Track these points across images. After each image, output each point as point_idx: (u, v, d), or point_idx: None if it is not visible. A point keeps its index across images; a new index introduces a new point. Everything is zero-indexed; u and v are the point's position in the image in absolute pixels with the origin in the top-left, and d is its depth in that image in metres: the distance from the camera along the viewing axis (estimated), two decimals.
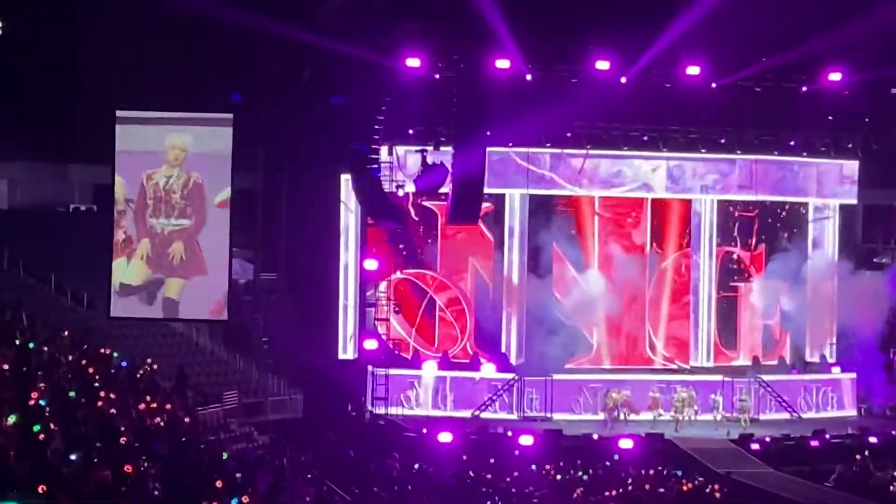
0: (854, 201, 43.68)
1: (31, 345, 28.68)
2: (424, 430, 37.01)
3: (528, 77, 39.06)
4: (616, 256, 42.90)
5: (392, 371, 39.02)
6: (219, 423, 34.92)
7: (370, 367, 39.19)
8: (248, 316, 41.13)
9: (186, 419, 30.69)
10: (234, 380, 39.41)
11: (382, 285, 40.12)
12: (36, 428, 19.80)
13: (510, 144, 40.73)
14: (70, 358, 29.62)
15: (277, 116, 40.35)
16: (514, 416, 39.33)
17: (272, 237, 42.43)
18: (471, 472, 33.43)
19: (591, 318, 42.72)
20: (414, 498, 30.53)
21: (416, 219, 41.78)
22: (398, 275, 41.33)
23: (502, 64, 38.26)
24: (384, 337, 39.71)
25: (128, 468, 19.17)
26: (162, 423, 27.25)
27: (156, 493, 19.96)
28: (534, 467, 34.95)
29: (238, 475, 24.30)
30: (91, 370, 29.24)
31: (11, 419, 20.28)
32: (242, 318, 40.24)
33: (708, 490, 33.14)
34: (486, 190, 39.73)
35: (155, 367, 34.60)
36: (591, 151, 41.23)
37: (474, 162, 38.15)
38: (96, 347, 32.70)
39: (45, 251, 39.13)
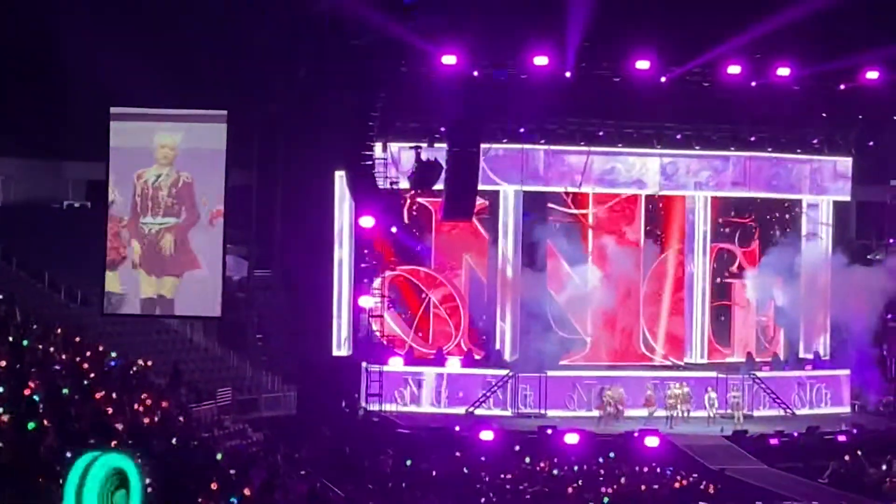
0: (848, 198, 43.73)
1: (24, 342, 28.66)
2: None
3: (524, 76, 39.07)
4: (610, 253, 42.89)
5: (387, 368, 39.06)
6: (213, 420, 34.91)
7: (364, 364, 39.20)
8: (242, 313, 41.11)
9: (180, 416, 30.71)
10: (229, 376, 39.37)
11: (377, 282, 40.12)
12: (30, 426, 19.82)
13: (504, 141, 40.74)
14: (64, 355, 29.61)
15: (272, 113, 40.36)
16: (508, 413, 39.37)
17: (266, 234, 42.41)
18: (465, 469, 33.48)
19: (585, 315, 42.73)
20: (408, 494, 30.59)
21: (410, 215, 41.73)
22: (392, 271, 41.32)
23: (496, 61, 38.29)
24: (378, 333, 39.70)
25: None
26: (156, 421, 27.27)
27: (149, 490, 19.93)
28: (528, 462, 34.99)
29: (232, 472, 24.33)
30: (85, 367, 29.24)
31: (4, 416, 20.30)
32: (237, 315, 40.20)
33: (702, 486, 33.19)
34: (481, 186, 39.75)
35: (149, 363, 34.59)
36: (583, 148, 41.27)
37: (469, 158, 38.15)
38: (90, 344, 32.67)
39: (38, 248, 39.07)
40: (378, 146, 38.88)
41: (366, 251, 39.78)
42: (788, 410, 40.56)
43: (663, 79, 39.58)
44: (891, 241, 43.33)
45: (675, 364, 42.85)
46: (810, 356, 43.05)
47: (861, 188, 43.76)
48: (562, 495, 31.70)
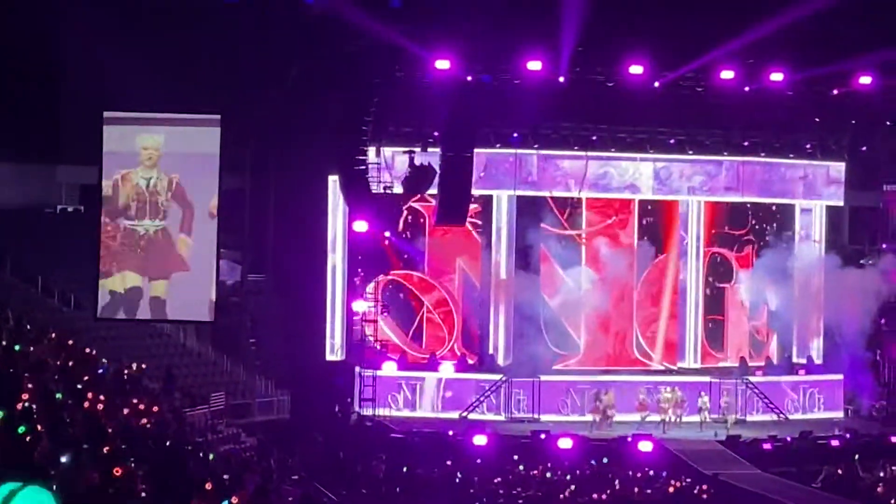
0: (841, 203, 43.80)
1: (17, 346, 28.59)
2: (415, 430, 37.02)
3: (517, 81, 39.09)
4: (604, 257, 42.91)
5: (380, 372, 39.06)
6: (206, 425, 34.88)
7: (357, 368, 39.20)
8: (235, 317, 41.08)
9: (174, 421, 30.66)
10: (222, 381, 39.35)
11: (370, 286, 40.12)
12: (21, 429, 19.76)
13: (498, 145, 40.77)
14: (57, 359, 29.56)
15: (265, 117, 40.34)
16: (501, 418, 39.38)
17: (260, 238, 42.38)
18: (458, 474, 33.47)
19: (578, 319, 42.75)
20: (401, 499, 30.58)
21: (404, 220, 41.74)
22: (385, 276, 41.33)
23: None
24: (371, 338, 39.69)
25: (116, 470, 19.14)
26: (149, 425, 27.23)
27: (143, 494, 19.92)
28: (521, 468, 34.99)
29: (225, 476, 24.30)
30: (78, 371, 29.19)
31: None
32: (230, 319, 40.17)
33: (695, 491, 33.22)
34: (474, 191, 39.78)
35: (143, 366, 34.55)
36: (577, 153, 41.31)
37: (462, 163, 38.17)
38: (83, 349, 32.62)
39: (32, 252, 39.03)
40: (372, 150, 38.87)
41: (359, 256, 39.74)
42: (782, 415, 40.60)
43: (657, 83, 39.61)
44: (883, 245, 43.35)
45: (668, 368, 42.87)
46: (803, 361, 43.10)
47: (854, 193, 43.82)
48: (555, 500, 31.70)
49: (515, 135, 40.82)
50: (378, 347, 39.89)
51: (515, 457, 35.90)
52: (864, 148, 43.28)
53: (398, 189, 39.52)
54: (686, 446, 37.13)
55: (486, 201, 41.71)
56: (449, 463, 34.75)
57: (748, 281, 43.70)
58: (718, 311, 44.11)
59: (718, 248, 44.13)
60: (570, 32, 37.44)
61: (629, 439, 36.84)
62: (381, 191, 39.09)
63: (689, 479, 34.07)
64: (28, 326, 32.40)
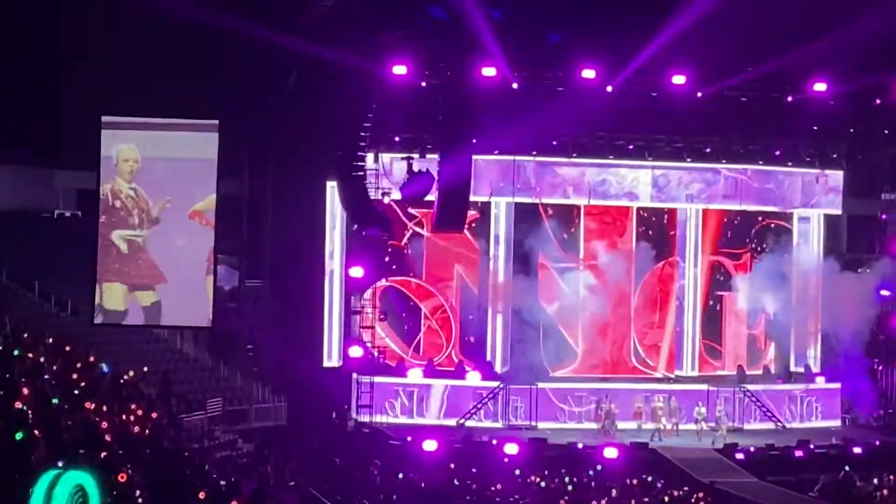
0: (839, 211, 43.78)
1: (14, 352, 28.56)
2: (409, 438, 36.97)
3: (515, 85, 39.06)
4: (602, 265, 42.89)
5: (377, 379, 39.00)
6: (203, 431, 34.83)
7: (355, 375, 39.15)
8: (232, 323, 41.04)
9: (170, 427, 30.63)
10: (219, 387, 39.29)
11: (367, 293, 40.09)
12: (18, 436, 19.73)
13: (496, 152, 40.75)
14: (54, 365, 29.52)
15: (263, 122, 40.33)
16: (499, 425, 39.34)
17: (257, 244, 42.36)
18: (455, 481, 33.42)
19: (576, 327, 42.73)
20: None
21: (402, 226, 41.71)
22: (383, 282, 41.31)
23: (489, 72, 38.25)
24: (369, 345, 39.65)
25: (121, 476, 19.11)
26: (146, 431, 27.19)
27: (140, 500, 19.90)
28: (518, 473, 34.94)
29: (222, 482, 24.28)
30: (74, 377, 29.15)
31: None
32: (227, 325, 40.13)
33: (692, 499, 33.17)
34: (472, 198, 39.76)
35: (141, 372, 34.50)
36: (575, 160, 41.33)
37: (460, 169, 38.15)
38: (80, 354, 32.58)
39: (29, 257, 38.99)
40: (370, 157, 38.83)
41: (358, 261, 39.71)
42: (779, 424, 40.55)
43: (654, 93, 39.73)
44: (881, 254, 43.28)
45: (666, 377, 42.83)
46: (801, 370, 43.07)
47: (852, 201, 43.80)
48: None
49: (514, 142, 40.74)
50: (375, 354, 39.82)
51: (506, 460, 35.82)
52: (862, 157, 43.27)
53: (396, 195, 39.50)
54: (683, 454, 37.09)
55: (485, 208, 41.70)
56: (451, 466, 34.77)
57: (746, 289, 43.67)
58: (716, 319, 44.07)
59: (716, 257, 44.11)
60: (570, 39, 37.47)
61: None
62: (379, 197, 39.06)
63: (686, 488, 34.03)
64: (25, 332, 32.35)
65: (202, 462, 28.03)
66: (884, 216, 43.50)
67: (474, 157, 38.95)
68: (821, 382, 41.95)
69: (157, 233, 35.29)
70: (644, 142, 41.61)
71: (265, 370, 40.49)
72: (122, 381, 32.18)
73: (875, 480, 35.18)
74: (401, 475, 33.57)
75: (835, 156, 43.04)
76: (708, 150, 42.05)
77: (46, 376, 27.66)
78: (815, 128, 42.21)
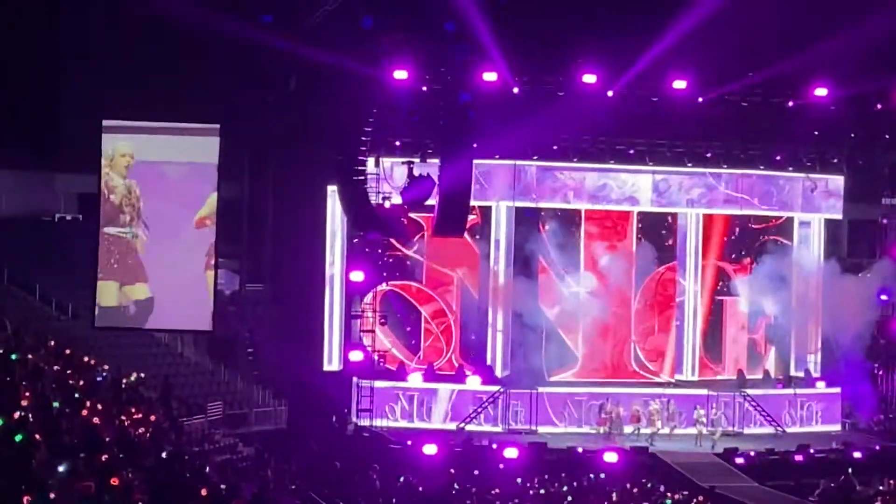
0: (839, 216, 43.80)
1: (13, 355, 28.56)
2: (409, 442, 36.97)
3: (515, 90, 39.08)
4: (602, 269, 42.90)
5: (378, 383, 38.99)
6: (203, 434, 34.82)
7: (355, 379, 39.16)
8: (233, 327, 41.05)
9: (171, 430, 30.63)
10: (219, 391, 39.32)
11: (368, 296, 40.09)
12: (18, 438, 19.73)
13: (497, 157, 40.76)
14: (55, 368, 29.52)
15: (264, 126, 40.35)
16: (499, 429, 39.33)
17: (258, 248, 42.38)
18: (455, 485, 33.41)
19: (576, 331, 42.74)
20: None
21: (402, 231, 41.68)
22: (384, 286, 41.32)
23: (489, 77, 38.27)
24: (369, 349, 39.65)
25: (113, 480, 19.10)
26: (147, 434, 27.19)
27: None
28: (519, 480, 34.93)
29: (222, 486, 24.26)
30: (75, 380, 29.15)
31: None
32: (227, 329, 40.14)
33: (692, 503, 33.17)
34: (473, 202, 39.77)
35: (141, 375, 34.52)
36: (576, 164, 41.36)
37: (461, 174, 38.16)
38: (81, 357, 32.59)
39: (30, 260, 39.02)
40: (371, 161, 38.85)
41: (358, 265, 39.71)
42: (779, 428, 40.54)
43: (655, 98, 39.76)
44: (881, 258, 43.29)
45: (666, 381, 42.83)
46: (801, 374, 43.07)
47: (853, 206, 43.81)
48: None
49: (514, 146, 40.77)
50: (376, 358, 39.82)
51: (501, 465, 35.82)
52: (862, 162, 43.30)
53: (397, 199, 39.50)
54: (683, 459, 37.08)
55: (485, 212, 41.71)
56: (451, 471, 34.75)
57: (746, 294, 43.68)
58: (716, 323, 44.10)
59: (717, 261, 44.12)
60: (571, 43, 37.48)
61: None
62: (380, 201, 39.05)
63: (685, 492, 34.01)
64: (26, 335, 32.37)
65: (202, 465, 27.99)
66: (884, 221, 43.48)
67: (475, 161, 38.95)
68: (821, 387, 41.95)
69: (154, 234, 35.28)
70: (645, 146, 41.62)
71: (265, 374, 40.50)
72: (122, 385, 32.20)
73: (875, 485, 35.18)
74: (401, 479, 33.53)
75: (835, 160, 43.08)
76: (709, 154, 42.05)
77: (47, 379, 27.68)
78: (816, 132, 42.24)
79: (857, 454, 37.71)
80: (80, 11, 40.31)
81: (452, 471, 34.70)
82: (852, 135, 42.76)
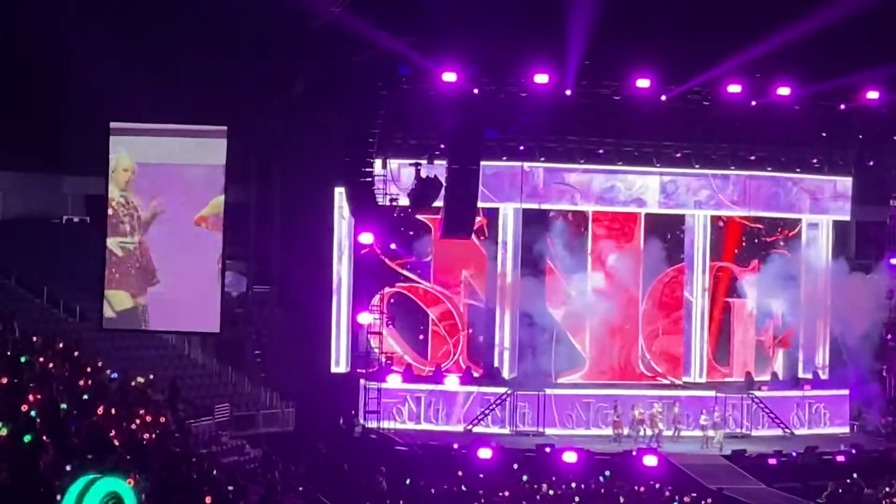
0: (847, 217, 43.73)
1: (22, 358, 28.60)
2: (418, 444, 36.97)
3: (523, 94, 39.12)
4: (610, 270, 42.86)
5: (384, 385, 38.98)
6: (210, 436, 34.85)
7: (362, 381, 39.15)
8: (240, 329, 41.05)
9: (178, 432, 30.64)
10: (226, 392, 39.30)
11: (375, 298, 40.07)
12: (27, 439, 19.77)
13: (504, 158, 40.74)
14: (62, 371, 29.56)
15: (271, 128, 40.35)
16: (506, 431, 39.30)
17: (265, 250, 42.38)
18: (463, 487, 33.41)
19: (584, 333, 42.69)
20: None
21: (410, 232, 41.69)
22: (391, 288, 41.31)
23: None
24: (376, 350, 39.62)
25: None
26: (154, 436, 27.21)
27: None
28: (525, 479, 34.91)
29: (230, 488, 24.29)
30: (83, 382, 29.18)
31: (3, 430, 20.25)
32: (235, 331, 40.13)
33: None
34: (480, 204, 39.76)
35: (151, 377, 34.53)
36: (583, 166, 41.34)
37: (468, 176, 38.15)
38: (88, 360, 32.61)
39: (37, 263, 39.02)
40: (378, 163, 38.85)
41: (365, 268, 39.69)
42: (787, 430, 40.49)
43: (663, 97, 39.65)
44: (890, 260, 43.21)
45: (673, 383, 42.77)
46: (809, 376, 43.00)
47: (861, 208, 43.75)
48: None
49: (522, 148, 40.76)
50: (383, 360, 39.80)
51: (515, 465, 35.80)
52: (871, 162, 43.21)
53: (404, 201, 39.48)
54: (691, 461, 37.03)
55: (492, 214, 41.69)
56: (457, 473, 34.70)
57: (754, 295, 43.62)
58: (724, 325, 44.04)
59: (724, 263, 44.07)
60: (577, 46, 37.46)
61: (634, 454, 36.76)
62: (387, 203, 39.05)
63: (693, 494, 33.96)
64: (34, 337, 32.40)
65: (210, 467, 28.03)
66: (892, 222, 43.41)
67: (482, 163, 38.93)
68: (829, 389, 41.87)
69: (159, 238, 35.26)
70: (652, 148, 41.58)
71: (273, 376, 40.50)
72: (130, 387, 32.22)
73: (883, 487, 35.13)
74: (408, 481, 33.53)
75: (841, 162, 43.02)
76: (715, 156, 42.01)
77: (55, 382, 27.72)
78: (824, 134, 42.21)
79: (864, 456, 37.63)
80: (87, 13, 40.32)
81: (460, 473, 34.68)
82: (860, 136, 42.68)
